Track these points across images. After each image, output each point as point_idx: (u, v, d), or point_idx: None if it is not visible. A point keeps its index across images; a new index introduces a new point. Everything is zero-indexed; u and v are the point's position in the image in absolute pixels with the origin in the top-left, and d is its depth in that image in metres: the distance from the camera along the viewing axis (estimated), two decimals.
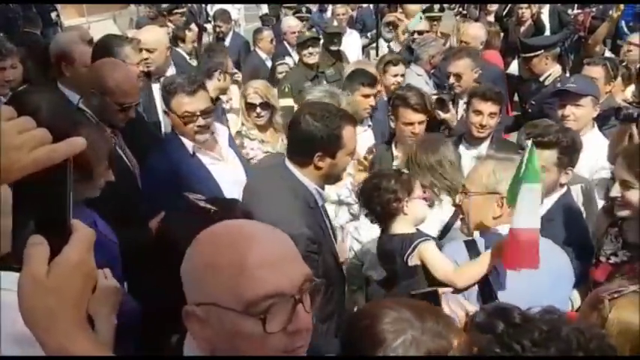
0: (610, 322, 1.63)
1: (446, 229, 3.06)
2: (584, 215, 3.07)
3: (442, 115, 4.40)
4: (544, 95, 4.79)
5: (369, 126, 4.37)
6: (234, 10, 10.76)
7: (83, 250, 0.95)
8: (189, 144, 3.18)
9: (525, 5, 7.75)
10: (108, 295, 1.85)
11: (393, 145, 3.93)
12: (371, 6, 10.07)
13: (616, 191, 2.53)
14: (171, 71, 4.73)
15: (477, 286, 2.22)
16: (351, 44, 7.84)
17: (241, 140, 4.18)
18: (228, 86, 4.77)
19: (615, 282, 1.85)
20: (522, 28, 7.75)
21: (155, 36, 4.65)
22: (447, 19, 7.77)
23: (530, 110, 5.10)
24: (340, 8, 8.19)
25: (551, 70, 5.10)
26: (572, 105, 3.73)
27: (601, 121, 3.96)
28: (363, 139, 4.04)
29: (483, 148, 3.87)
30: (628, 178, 2.47)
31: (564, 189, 3.00)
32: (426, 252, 2.46)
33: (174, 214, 2.43)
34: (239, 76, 5.53)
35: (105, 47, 3.89)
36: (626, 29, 7.29)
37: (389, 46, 7.53)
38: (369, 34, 8.62)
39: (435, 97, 4.46)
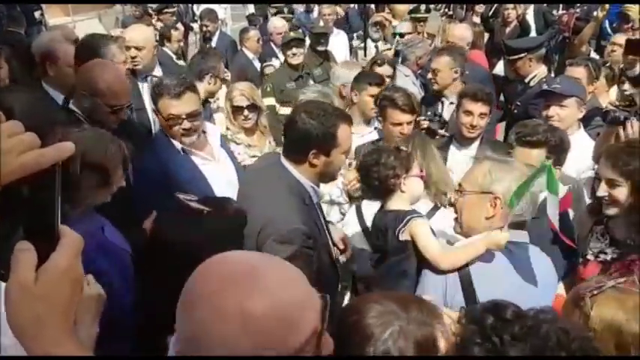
0: (593, 320, 1.66)
1: None
2: (574, 214, 3.11)
3: None
4: (529, 96, 4.81)
5: (376, 128, 4.29)
6: (221, 10, 10.74)
7: (71, 256, 0.93)
8: (177, 144, 3.18)
9: (511, 6, 7.80)
10: (91, 302, 1.83)
11: None
12: (356, 6, 10.10)
13: (603, 190, 2.56)
14: (157, 70, 4.71)
15: (461, 288, 2.24)
16: (339, 44, 7.84)
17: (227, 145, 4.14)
18: (217, 90, 4.78)
19: (593, 279, 1.88)
20: (508, 29, 7.80)
21: (143, 34, 4.63)
22: (433, 20, 7.80)
23: (515, 111, 5.14)
24: (326, 8, 8.17)
25: (536, 72, 5.10)
26: (556, 106, 3.76)
27: (584, 121, 3.99)
28: (369, 139, 4.08)
29: (474, 148, 3.90)
30: (613, 176, 2.51)
31: None
32: (416, 228, 2.49)
33: (166, 215, 2.43)
34: (228, 76, 5.51)
35: (89, 46, 3.86)
36: (609, 30, 7.37)
37: (376, 47, 7.54)
38: (355, 35, 8.63)
39: (424, 123, 4.49)
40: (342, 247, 2.98)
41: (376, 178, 2.65)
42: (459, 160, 3.85)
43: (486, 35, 8.11)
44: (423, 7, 7.69)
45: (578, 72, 4.57)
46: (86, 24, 11.15)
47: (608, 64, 5.30)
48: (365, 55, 7.34)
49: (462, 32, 6.22)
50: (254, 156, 3.99)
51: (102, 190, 2.30)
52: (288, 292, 1.08)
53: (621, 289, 1.73)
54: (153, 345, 1.52)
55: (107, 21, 12.53)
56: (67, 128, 2.38)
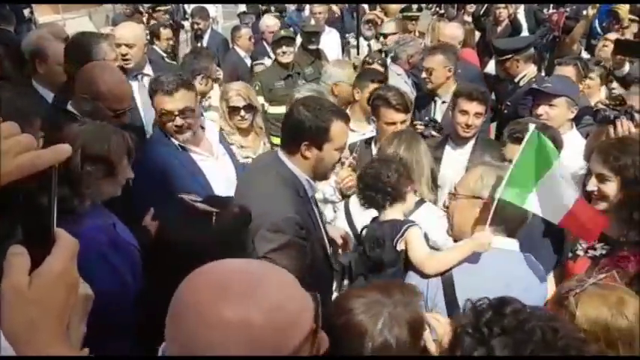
0: (578, 319, 1.68)
1: None
2: None
3: None
4: (519, 96, 4.83)
5: None
6: (212, 8, 10.70)
7: (67, 260, 0.91)
8: (175, 140, 3.19)
9: (502, 5, 7.82)
10: (79, 303, 1.82)
11: (372, 144, 3.95)
12: (348, 5, 10.10)
13: (592, 185, 2.59)
14: (147, 68, 4.69)
15: (443, 293, 2.26)
16: (330, 43, 7.84)
17: None
18: (209, 91, 4.78)
19: (574, 278, 1.90)
20: (499, 28, 7.82)
21: (134, 32, 4.61)
22: (425, 19, 7.82)
23: (505, 111, 5.15)
24: (318, 7, 8.17)
25: (525, 72, 5.09)
26: (545, 105, 3.78)
27: (574, 120, 4.01)
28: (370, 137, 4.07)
29: (469, 147, 3.91)
30: (603, 171, 2.53)
31: None
32: (410, 235, 2.52)
33: (172, 216, 2.42)
34: (220, 75, 5.49)
35: (80, 44, 3.83)
36: (599, 29, 7.41)
37: (369, 45, 7.55)
38: (347, 35, 8.64)
39: (420, 128, 4.49)
40: (340, 242, 2.98)
41: (381, 187, 2.67)
42: (454, 160, 3.87)
43: (477, 34, 8.14)
44: (415, 6, 7.71)
45: (567, 71, 4.60)
46: (76, 22, 11.08)
47: (601, 63, 5.29)
48: (358, 54, 7.34)
49: (452, 31, 6.24)
50: (247, 157, 3.95)
51: (108, 182, 2.31)
52: (284, 299, 1.08)
53: (602, 285, 1.76)
54: (153, 345, 1.52)
55: (97, 19, 12.45)
56: (54, 123, 2.38)
